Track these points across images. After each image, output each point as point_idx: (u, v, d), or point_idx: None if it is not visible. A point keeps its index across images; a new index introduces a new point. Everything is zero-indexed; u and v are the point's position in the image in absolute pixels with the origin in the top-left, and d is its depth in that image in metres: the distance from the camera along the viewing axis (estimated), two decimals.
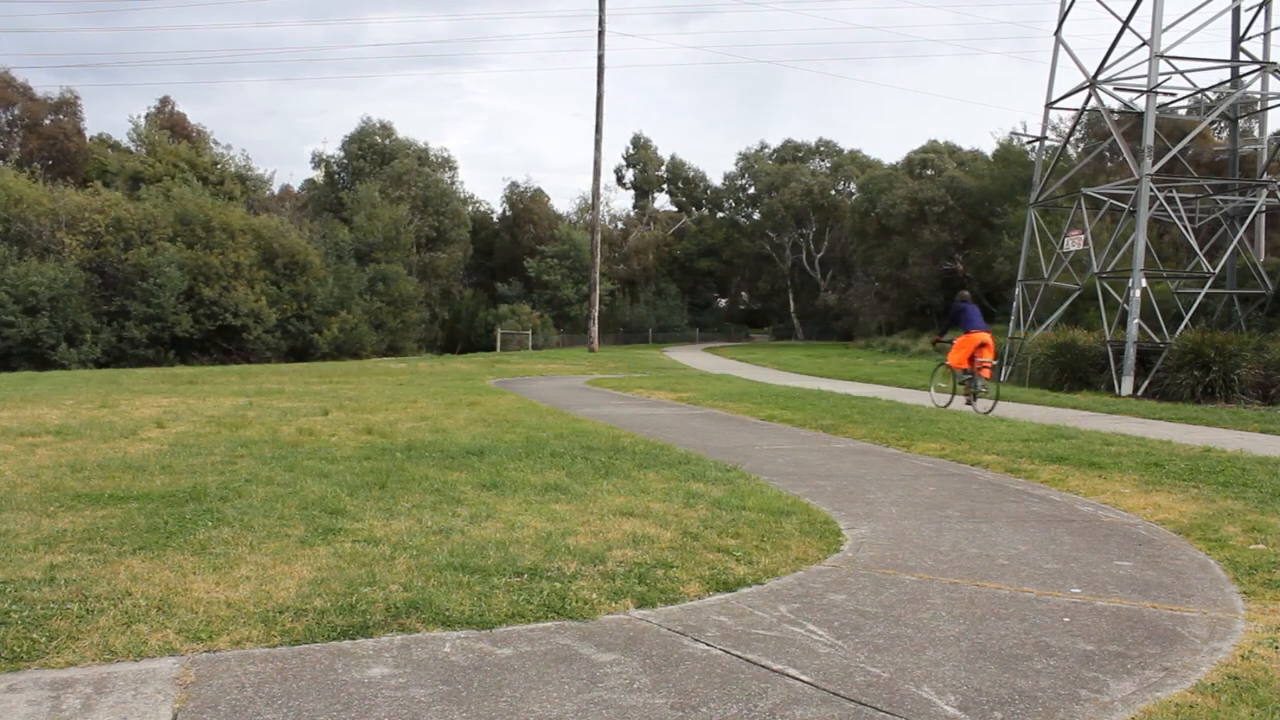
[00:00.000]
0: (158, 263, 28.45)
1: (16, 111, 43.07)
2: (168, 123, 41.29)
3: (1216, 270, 17.89)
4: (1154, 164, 17.10)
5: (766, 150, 56.76)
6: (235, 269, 30.62)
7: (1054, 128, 29.88)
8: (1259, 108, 19.85)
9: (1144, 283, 17.09)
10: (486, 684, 2.53)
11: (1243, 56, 19.36)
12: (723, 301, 64.17)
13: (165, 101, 44.86)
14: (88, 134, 45.18)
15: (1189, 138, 18.18)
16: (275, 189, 50.95)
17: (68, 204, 29.10)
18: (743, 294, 62.59)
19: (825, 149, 55.20)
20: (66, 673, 2.54)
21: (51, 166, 37.99)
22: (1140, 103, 18.32)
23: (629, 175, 60.97)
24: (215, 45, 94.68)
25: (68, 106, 44.83)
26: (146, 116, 41.52)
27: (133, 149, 40.26)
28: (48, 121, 43.08)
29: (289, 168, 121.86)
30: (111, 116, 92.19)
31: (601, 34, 32.59)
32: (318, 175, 48.18)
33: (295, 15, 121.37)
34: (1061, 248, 20.22)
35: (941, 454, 7.37)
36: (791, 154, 55.15)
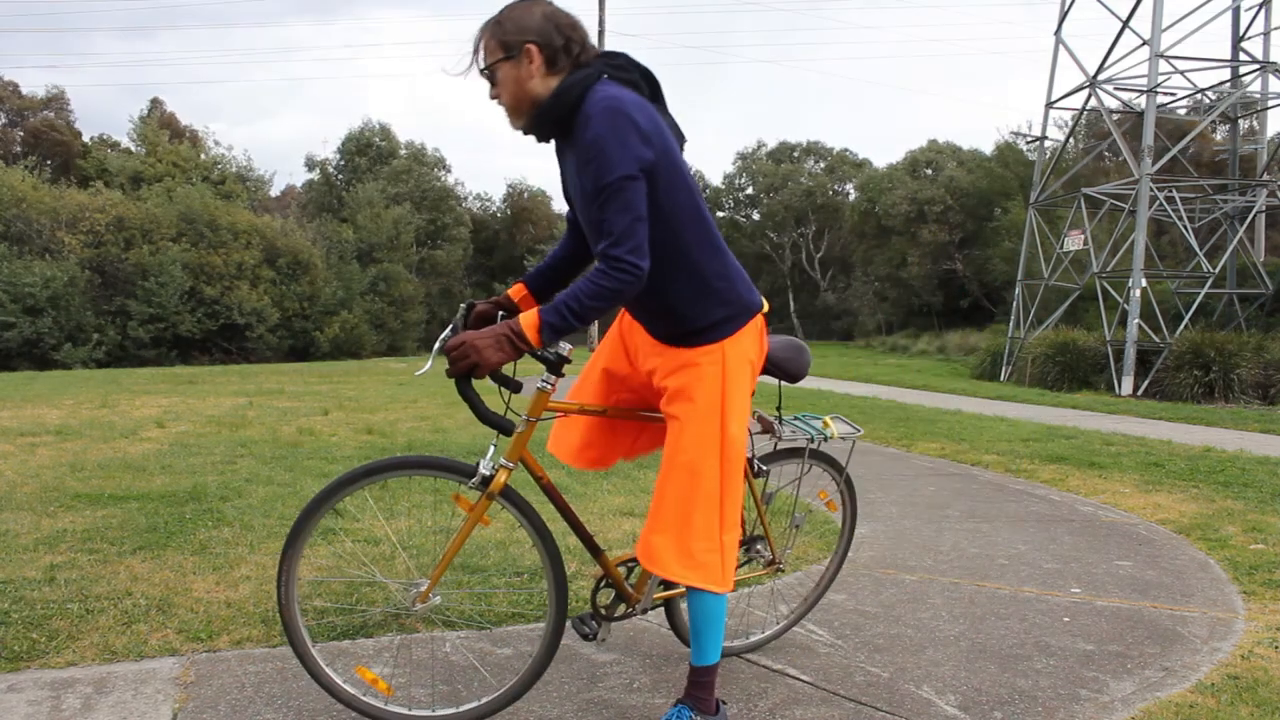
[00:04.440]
0: (159, 262, 28.42)
1: (7, 111, 43.22)
2: (162, 124, 41.31)
3: (1216, 270, 17.91)
4: (1154, 164, 17.11)
5: (763, 150, 56.82)
6: (238, 269, 30.59)
7: (1057, 125, 29.91)
8: (1259, 108, 19.85)
9: (1144, 283, 17.10)
10: (486, 684, 2.53)
11: (1243, 56, 19.37)
12: None
13: (155, 103, 44.95)
14: (85, 135, 45.30)
15: (1189, 138, 18.18)
16: (278, 189, 50.98)
17: (68, 203, 29.07)
18: None
19: (817, 150, 55.25)
20: (66, 673, 2.54)
21: (48, 163, 38.04)
22: (1140, 103, 18.33)
23: None
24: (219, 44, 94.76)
25: (56, 102, 44.95)
26: (139, 118, 41.54)
27: (133, 149, 40.26)
28: (38, 118, 43.22)
29: (289, 167, 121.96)
30: (103, 115, 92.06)
31: (601, 34, 32.59)
32: (315, 176, 48.20)
33: (295, 13, 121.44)
34: (1061, 247, 20.24)
35: (941, 454, 7.37)
36: (787, 154, 55.21)
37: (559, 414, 2.27)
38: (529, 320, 1.92)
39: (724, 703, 2.33)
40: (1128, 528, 4.67)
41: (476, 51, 2.02)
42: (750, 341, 2.15)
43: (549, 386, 2.15)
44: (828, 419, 2.76)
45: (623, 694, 2.50)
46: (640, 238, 1.88)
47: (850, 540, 3.01)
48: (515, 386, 2.06)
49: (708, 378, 2.10)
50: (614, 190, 1.87)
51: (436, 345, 2.05)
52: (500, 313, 2.22)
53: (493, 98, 2.03)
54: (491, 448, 2.17)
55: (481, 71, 2.01)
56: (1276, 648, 2.89)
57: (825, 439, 2.70)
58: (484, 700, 2.25)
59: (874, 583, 3.62)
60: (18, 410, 9.25)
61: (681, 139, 2.08)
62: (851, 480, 2.88)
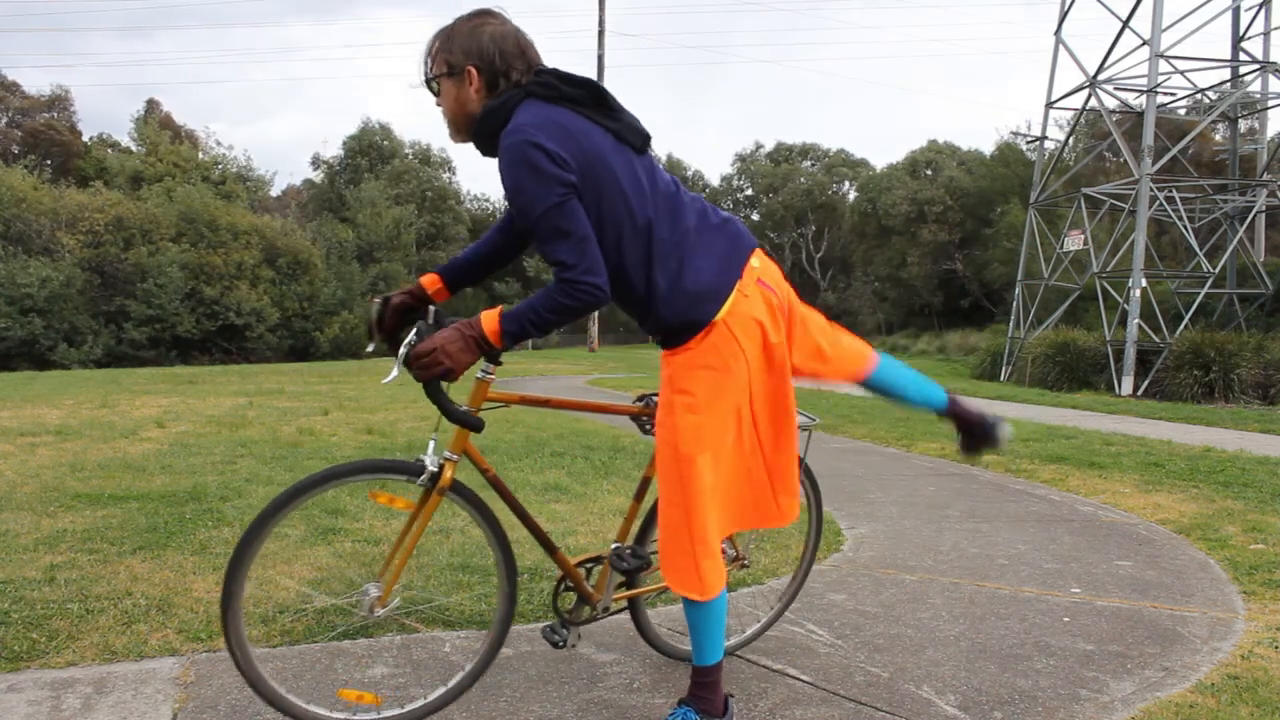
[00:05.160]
0: (158, 263, 28.40)
1: (10, 112, 43.22)
2: (160, 124, 41.28)
3: (1216, 270, 17.92)
4: (1154, 164, 17.11)
5: (761, 150, 56.82)
6: (238, 269, 30.58)
7: (1058, 125, 29.91)
8: (1259, 108, 19.85)
9: (1144, 283, 17.10)
10: (486, 684, 2.53)
11: (1243, 56, 19.39)
12: None
13: (152, 104, 44.94)
14: (84, 135, 45.28)
15: (1189, 138, 18.17)
16: (279, 189, 50.97)
17: (68, 203, 29.05)
18: None
19: (813, 152, 55.26)
20: (66, 673, 2.54)
21: (49, 164, 38.05)
22: (1140, 103, 18.33)
23: None
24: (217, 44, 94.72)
25: (60, 102, 44.96)
26: (136, 119, 41.48)
27: (134, 149, 40.26)
28: (40, 119, 43.21)
29: (289, 167, 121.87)
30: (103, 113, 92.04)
31: (601, 34, 32.57)
32: (318, 176, 48.20)
33: (295, 13, 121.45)
34: (1061, 248, 20.25)
35: (941, 453, 7.37)
36: (785, 156, 55.22)
37: (500, 404, 2.21)
38: (490, 326, 1.92)
39: (731, 695, 2.33)
40: (1128, 528, 4.67)
41: (426, 59, 2.02)
42: (705, 348, 2.06)
43: (489, 376, 2.11)
44: None
45: (623, 694, 2.50)
46: (590, 258, 1.88)
47: (819, 531, 2.95)
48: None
49: (665, 382, 2.12)
50: (544, 225, 1.87)
51: (401, 352, 1.97)
52: (432, 307, 2.16)
53: (437, 105, 2.05)
54: (432, 442, 2.11)
55: (426, 82, 2.02)
56: (1276, 648, 2.89)
57: None
58: (431, 698, 2.23)
59: (874, 583, 3.62)
60: (18, 410, 9.25)
61: (643, 138, 2.04)
62: (811, 470, 2.82)
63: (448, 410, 2.00)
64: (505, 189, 1.90)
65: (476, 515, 2.22)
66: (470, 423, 2.06)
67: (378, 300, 2.18)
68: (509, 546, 2.26)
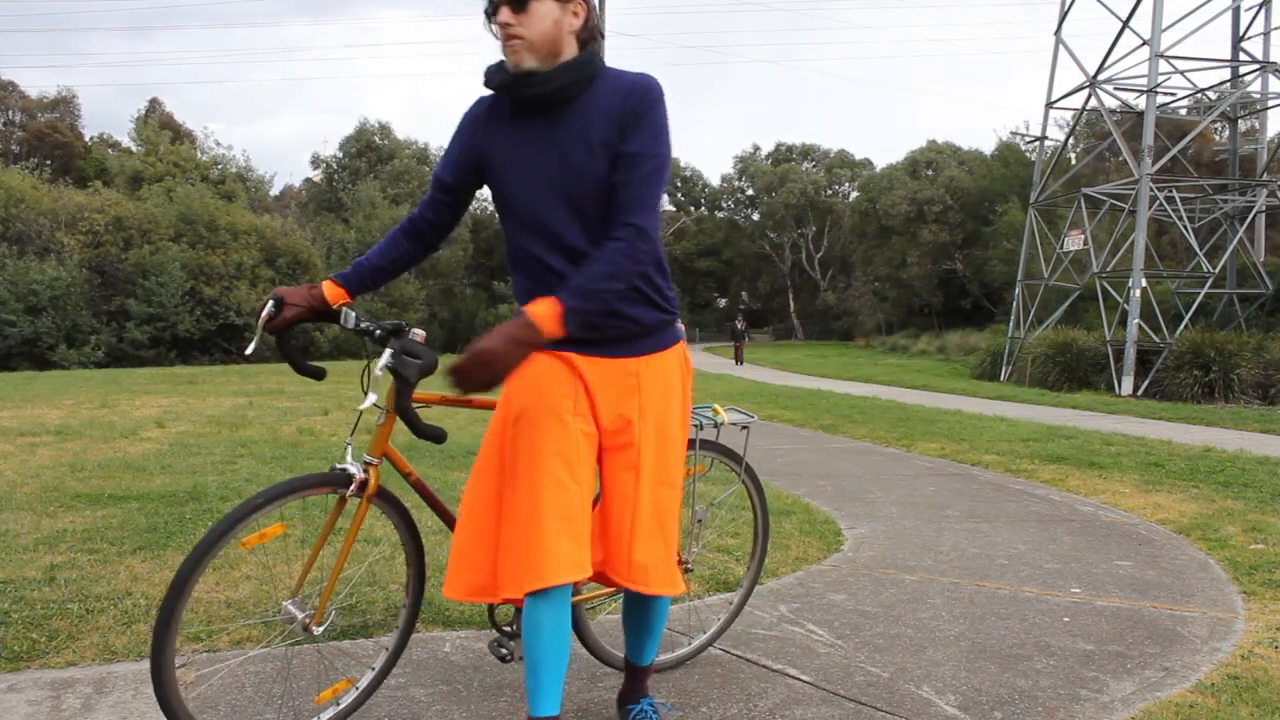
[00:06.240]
0: (159, 262, 28.41)
1: (12, 111, 43.28)
2: (162, 124, 41.28)
3: (1216, 270, 17.92)
4: (1154, 164, 17.12)
5: (760, 152, 56.88)
6: (238, 269, 30.58)
7: (1058, 125, 29.92)
8: (1259, 108, 19.86)
9: (1144, 283, 17.10)
10: (486, 684, 2.54)
11: (1243, 56, 19.40)
12: (723, 301, 64.19)
13: (154, 104, 44.98)
14: (86, 133, 45.34)
15: (1189, 138, 18.17)
16: (278, 189, 50.99)
17: (68, 203, 29.05)
18: (743, 294, 62.61)
19: (812, 154, 55.34)
20: (66, 673, 2.54)
21: (48, 164, 38.08)
22: (1140, 102, 18.33)
23: None
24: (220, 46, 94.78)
25: (64, 104, 45.00)
26: (136, 118, 41.48)
27: (134, 149, 40.27)
28: (43, 120, 43.26)
29: (289, 167, 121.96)
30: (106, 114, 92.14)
31: (601, 34, 32.58)
32: (317, 175, 48.18)
33: (294, 13, 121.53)
34: (1061, 248, 20.25)
35: (941, 454, 7.37)
36: (785, 156, 55.27)
37: (421, 405, 2.01)
38: (548, 312, 1.68)
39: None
40: (1128, 528, 4.67)
41: None
42: (678, 353, 2.07)
43: None
44: (718, 407, 2.63)
45: None
46: (657, 224, 1.80)
47: (766, 531, 2.88)
48: (318, 374, 2.07)
49: (653, 390, 2.03)
50: (659, 164, 1.80)
51: (379, 373, 1.81)
52: (349, 310, 2.00)
53: (503, 23, 1.77)
54: (349, 447, 2.02)
55: None
56: (1276, 648, 2.89)
57: (716, 427, 2.58)
58: (343, 704, 2.21)
59: (874, 583, 3.62)
60: (18, 410, 9.25)
61: None
62: (753, 469, 2.77)
63: (417, 428, 1.85)
64: (640, 113, 1.80)
65: (399, 522, 2.17)
66: (435, 436, 1.91)
67: (271, 303, 1.97)
68: (423, 560, 2.24)
